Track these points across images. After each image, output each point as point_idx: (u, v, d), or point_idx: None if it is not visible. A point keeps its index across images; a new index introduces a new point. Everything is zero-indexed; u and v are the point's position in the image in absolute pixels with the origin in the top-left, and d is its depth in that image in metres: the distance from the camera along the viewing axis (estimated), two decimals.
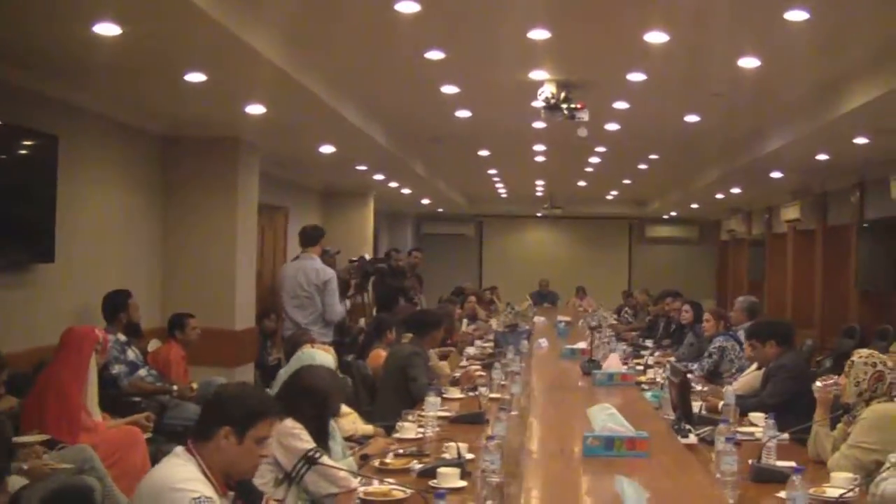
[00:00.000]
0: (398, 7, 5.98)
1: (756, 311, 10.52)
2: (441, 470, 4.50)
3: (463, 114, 10.09)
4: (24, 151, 7.05)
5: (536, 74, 8.06)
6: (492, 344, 10.86)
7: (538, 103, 8.25)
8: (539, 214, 23.23)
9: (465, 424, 5.92)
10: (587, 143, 12.34)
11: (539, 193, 20.68)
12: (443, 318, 8.02)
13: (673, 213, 23.79)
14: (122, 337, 7.85)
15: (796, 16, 6.02)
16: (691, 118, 10.14)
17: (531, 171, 16.18)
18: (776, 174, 13.32)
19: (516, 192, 20.75)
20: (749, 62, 7.34)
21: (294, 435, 4.44)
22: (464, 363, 9.22)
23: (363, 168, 13.36)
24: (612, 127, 10.84)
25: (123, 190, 9.04)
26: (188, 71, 6.90)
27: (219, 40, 5.90)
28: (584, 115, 8.36)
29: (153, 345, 8.85)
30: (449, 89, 8.76)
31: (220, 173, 9.73)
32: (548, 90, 8.12)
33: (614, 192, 20.78)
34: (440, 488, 4.31)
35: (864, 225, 12.99)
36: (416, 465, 4.75)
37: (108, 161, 8.67)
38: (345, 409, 6.34)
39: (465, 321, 12.28)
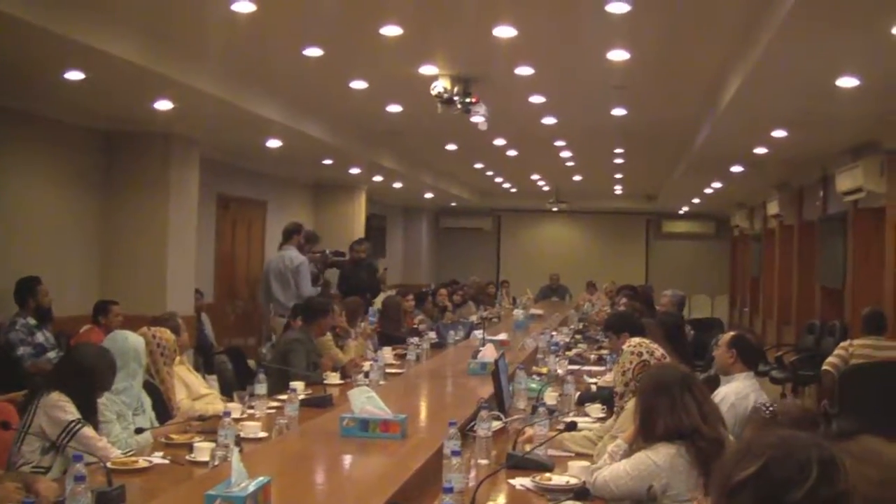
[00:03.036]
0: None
1: (683, 305, 10.59)
2: (197, 444, 4.70)
3: (393, 108, 10.28)
4: None
5: (427, 69, 8.19)
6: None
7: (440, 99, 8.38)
8: (555, 209, 23.26)
9: (312, 408, 6.08)
10: (545, 137, 12.51)
11: (543, 188, 20.75)
12: (329, 306, 8.16)
13: (685, 209, 23.61)
14: (31, 321, 8.16)
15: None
16: (618, 111, 10.19)
17: (510, 166, 16.36)
18: (736, 168, 13.27)
19: (519, 186, 20.85)
20: (618, 55, 7.40)
21: (59, 407, 4.66)
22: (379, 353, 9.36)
23: (329, 162, 13.61)
24: (548, 121, 10.95)
25: (53, 183, 9.39)
26: (67, 70, 7.19)
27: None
28: (481, 109, 8.46)
29: (85, 329, 9.18)
30: (357, 84, 8.93)
31: (153, 166, 10.04)
32: (440, 85, 8.22)
33: (618, 188, 20.75)
34: (197, 461, 4.56)
35: (822, 220, 12.87)
36: (197, 441, 4.93)
37: (28, 153, 9.00)
38: (203, 389, 6.57)
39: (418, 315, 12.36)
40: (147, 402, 5.52)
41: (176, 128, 9.95)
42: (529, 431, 4.95)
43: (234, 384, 8.04)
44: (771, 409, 4.33)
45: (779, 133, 9.97)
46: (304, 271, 10.56)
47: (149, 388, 5.61)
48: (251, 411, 5.87)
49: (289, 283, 10.53)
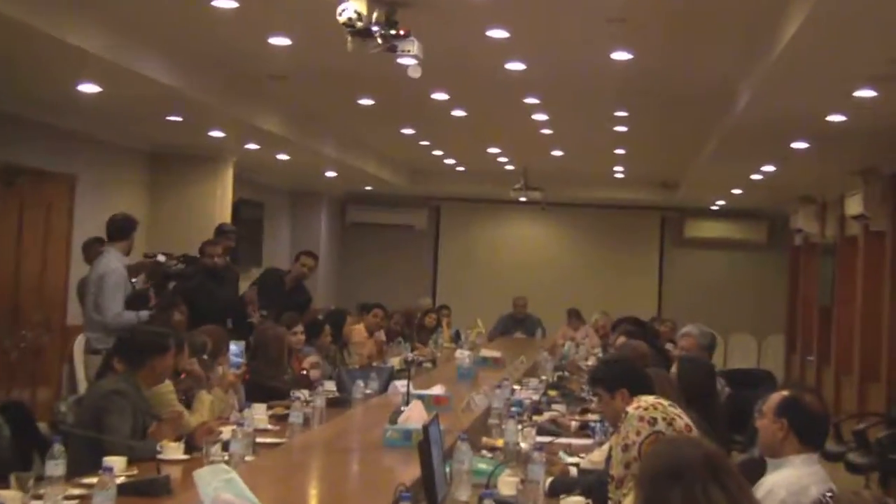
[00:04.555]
0: None
1: (713, 349, 10.67)
2: None
3: (278, 41, 10.30)
4: None
5: None
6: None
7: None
8: (522, 199, 23.35)
9: (138, 497, 6.02)
10: (510, 91, 12.57)
11: (506, 167, 20.94)
12: (165, 340, 8.09)
13: (720, 203, 23.80)
14: None
15: None
16: (619, 55, 10.31)
17: (456, 133, 16.58)
18: (798, 144, 13.48)
19: (470, 163, 21.06)
20: None
21: None
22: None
23: (176, 119, 13.58)
24: (514, 66, 11.09)
25: None
26: None
27: None
28: (412, 46, 8.44)
29: None
30: (223, 3, 8.94)
31: None
32: (351, 8, 8.17)
33: (619, 169, 20.94)
34: None
35: None
36: None
37: None
38: None
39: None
40: None
41: None
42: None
43: (14, 460, 7.94)
44: (829, 496, 4.37)
45: (864, 93, 10.07)
46: (109, 283, 10.96)
47: None
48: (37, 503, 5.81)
49: (88, 300, 11.19)
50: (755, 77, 10.16)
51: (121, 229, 11.24)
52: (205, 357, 9.13)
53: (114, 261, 11.04)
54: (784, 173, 16.93)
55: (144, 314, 11.06)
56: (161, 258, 12.08)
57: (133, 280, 11.32)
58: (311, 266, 13.98)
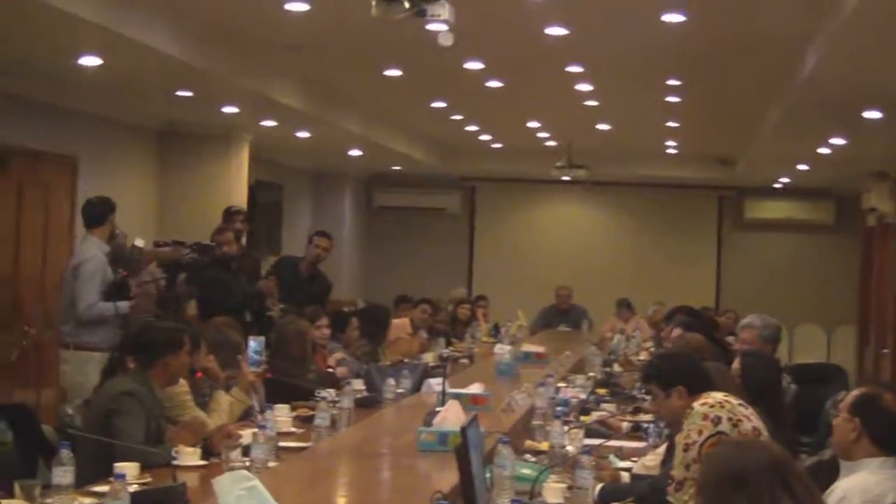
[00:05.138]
0: None
1: (778, 342, 10.65)
2: None
3: (296, 7, 10.31)
4: None
5: None
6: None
7: None
8: (566, 179, 23.34)
9: None
10: (552, 59, 12.57)
11: (547, 143, 20.97)
12: (179, 336, 8.10)
13: (784, 181, 23.73)
14: None
15: None
16: (671, 17, 10.34)
17: (492, 106, 16.64)
18: (871, 113, 13.45)
19: (508, 140, 21.13)
20: None
21: None
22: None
23: (186, 94, 13.65)
24: (556, 31, 11.10)
25: None
26: None
27: None
28: (444, 11, 8.44)
29: None
30: None
31: None
32: None
33: (672, 144, 20.96)
34: None
35: None
36: None
37: None
38: None
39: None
40: None
41: None
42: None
43: (18, 467, 8.00)
44: None
45: None
46: (84, 272, 11.11)
47: None
48: None
49: (65, 291, 11.39)
50: (823, 38, 10.14)
51: (97, 214, 11.36)
52: (239, 357, 9.15)
53: (92, 248, 11.23)
54: (855, 146, 16.88)
55: (124, 305, 11.08)
56: (139, 243, 12.03)
57: (119, 270, 11.31)
58: (326, 247, 14.04)
